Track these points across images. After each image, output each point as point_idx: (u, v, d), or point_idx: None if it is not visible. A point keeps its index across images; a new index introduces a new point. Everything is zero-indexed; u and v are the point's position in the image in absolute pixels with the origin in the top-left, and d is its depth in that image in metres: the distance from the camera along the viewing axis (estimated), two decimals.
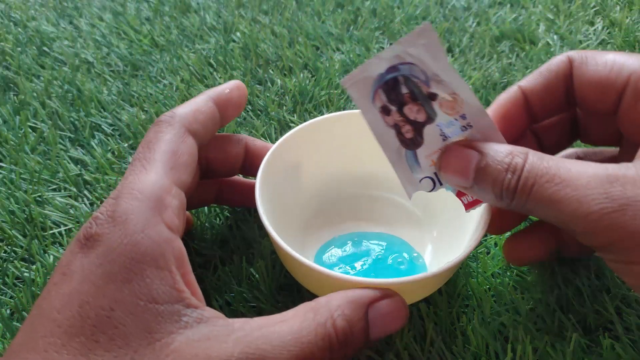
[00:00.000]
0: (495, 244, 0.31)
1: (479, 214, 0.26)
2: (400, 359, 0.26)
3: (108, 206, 0.22)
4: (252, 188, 0.27)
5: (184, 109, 0.26)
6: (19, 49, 0.47)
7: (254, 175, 0.28)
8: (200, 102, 0.27)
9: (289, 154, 0.30)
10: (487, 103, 0.40)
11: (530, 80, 0.26)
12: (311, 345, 0.20)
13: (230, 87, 0.28)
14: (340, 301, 0.21)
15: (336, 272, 0.23)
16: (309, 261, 0.24)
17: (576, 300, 0.28)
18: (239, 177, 0.32)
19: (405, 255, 0.29)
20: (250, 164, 0.30)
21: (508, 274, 0.29)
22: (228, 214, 0.33)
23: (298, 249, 0.29)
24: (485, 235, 0.31)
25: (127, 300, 0.20)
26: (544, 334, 0.27)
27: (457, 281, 0.29)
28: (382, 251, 0.30)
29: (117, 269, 0.20)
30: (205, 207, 0.33)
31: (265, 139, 0.38)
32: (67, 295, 0.20)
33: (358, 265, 0.29)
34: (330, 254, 0.30)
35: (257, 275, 0.29)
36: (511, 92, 0.26)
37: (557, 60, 0.26)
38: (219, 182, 0.31)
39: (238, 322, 0.21)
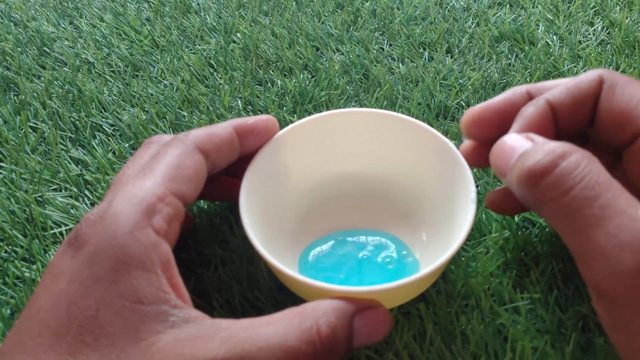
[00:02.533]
0: (495, 244, 0.31)
1: (467, 210, 0.26)
2: (400, 359, 0.26)
3: (101, 207, 0.22)
4: (236, 183, 0.27)
5: (200, 130, 0.26)
6: (19, 49, 0.47)
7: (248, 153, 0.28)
8: (219, 127, 0.27)
9: (274, 158, 0.30)
10: None
11: (558, 95, 0.25)
12: (295, 349, 0.20)
13: (256, 118, 0.28)
14: (327, 308, 0.22)
15: (315, 281, 0.23)
16: (289, 270, 0.24)
17: (576, 300, 0.28)
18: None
19: (394, 254, 0.29)
20: (243, 145, 0.28)
21: (507, 273, 0.30)
22: (228, 214, 0.33)
23: (287, 252, 0.29)
24: (484, 236, 0.32)
25: (113, 301, 0.20)
26: (543, 334, 0.27)
27: (456, 281, 0.29)
28: (370, 250, 0.29)
29: (103, 270, 0.21)
30: (206, 207, 0.33)
31: None
32: (55, 296, 0.20)
33: (345, 266, 0.29)
34: (317, 255, 0.30)
35: (257, 275, 0.29)
36: (539, 106, 0.25)
37: (588, 79, 0.25)
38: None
39: (225, 322, 0.21)
